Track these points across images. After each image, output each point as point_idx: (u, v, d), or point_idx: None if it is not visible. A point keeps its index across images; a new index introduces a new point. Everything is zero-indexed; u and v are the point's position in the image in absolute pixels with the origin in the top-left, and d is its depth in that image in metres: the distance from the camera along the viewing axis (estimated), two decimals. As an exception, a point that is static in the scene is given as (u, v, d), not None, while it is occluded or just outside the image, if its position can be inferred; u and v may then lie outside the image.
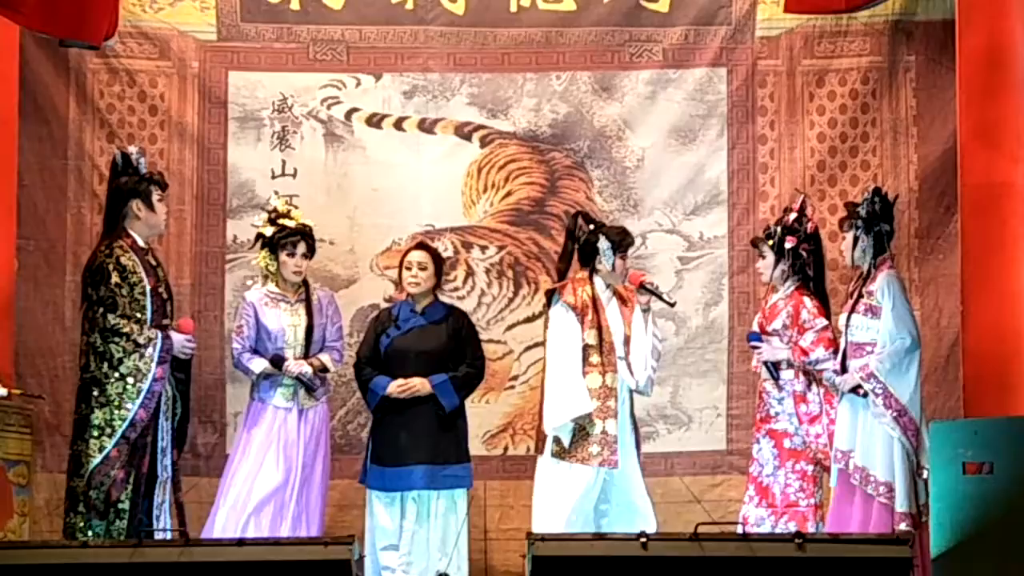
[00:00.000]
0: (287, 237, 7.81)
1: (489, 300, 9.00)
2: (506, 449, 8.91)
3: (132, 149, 7.55)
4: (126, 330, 7.16)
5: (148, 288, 7.25)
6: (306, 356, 7.80)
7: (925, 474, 6.75)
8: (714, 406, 8.93)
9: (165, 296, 7.39)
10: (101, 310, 7.19)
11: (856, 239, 7.51)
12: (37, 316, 8.70)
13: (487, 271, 9.04)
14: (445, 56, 9.07)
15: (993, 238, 7.82)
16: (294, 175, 9.03)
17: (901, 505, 7.23)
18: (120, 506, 7.12)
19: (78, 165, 8.88)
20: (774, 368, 7.60)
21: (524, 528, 7.38)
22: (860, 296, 7.46)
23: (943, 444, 5.88)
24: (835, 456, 7.43)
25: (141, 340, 7.16)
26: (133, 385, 7.14)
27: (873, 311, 7.40)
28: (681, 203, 9.04)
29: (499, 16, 9.05)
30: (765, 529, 7.40)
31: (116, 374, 7.16)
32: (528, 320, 9.01)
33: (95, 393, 7.17)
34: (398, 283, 8.15)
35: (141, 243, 7.37)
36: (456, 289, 8.95)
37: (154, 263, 7.41)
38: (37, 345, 8.68)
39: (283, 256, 7.82)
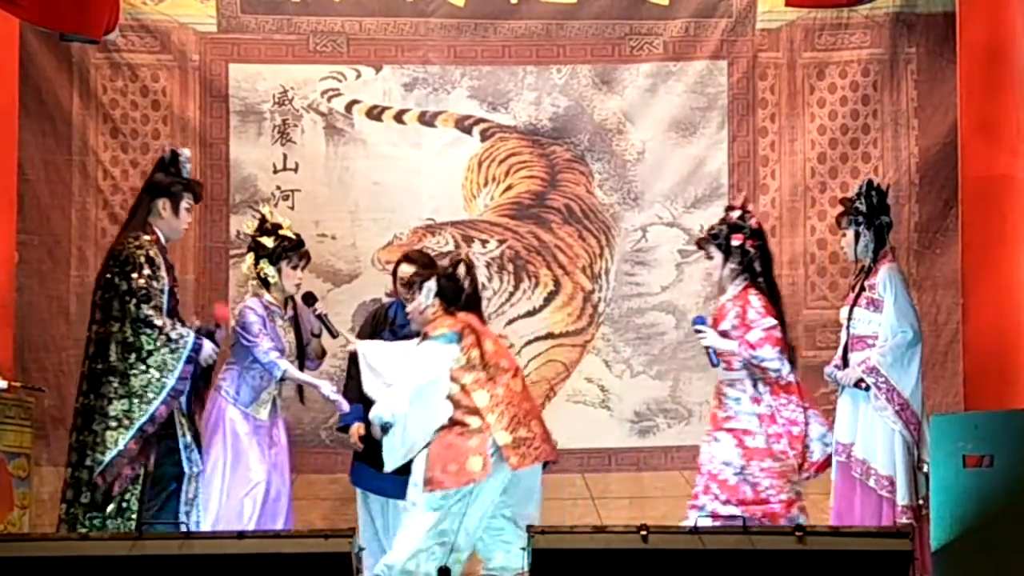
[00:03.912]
0: (293, 249, 7.69)
1: (490, 294, 8.97)
2: (507, 443, 8.90)
3: (184, 151, 7.40)
4: (159, 323, 7.03)
5: (167, 287, 7.17)
6: (300, 369, 7.69)
7: (926, 467, 6.75)
8: (714, 400, 8.92)
9: (178, 297, 7.35)
10: (134, 301, 7.02)
11: (858, 235, 7.48)
12: (42, 311, 8.70)
13: (488, 265, 9.03)
14: (445, 48, 9.06)
15: (993, 231, 7.83)
16: (295, 169, 9.02)
17: (902, 498, 7.22)
18: (125, 504, 7.00)
19: (82, 160, 8.88)
20: (715, 356, 7.47)
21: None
22: (862, 289, 7.45)
23: (943, 437, 5.86)
24: (836, 449, 7.42)
25: (173, 335, 7.05)
26: (159, 379, 7.01)
27: (875, 304, 7.39)
28: (681, 196, 9.04)
29: (499, 9, 9.05)
30: None
31: (143, 366, 7.02)
32: (529, 314, 9.01)
33: (115, 384, 7.00)
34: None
35: (163, 241, 7.27)
36: (457, 283, 8.95)
37: (170, 263, 7.34)
38: (42, 340, 8.68)
39: (287, 268, 7.66)
